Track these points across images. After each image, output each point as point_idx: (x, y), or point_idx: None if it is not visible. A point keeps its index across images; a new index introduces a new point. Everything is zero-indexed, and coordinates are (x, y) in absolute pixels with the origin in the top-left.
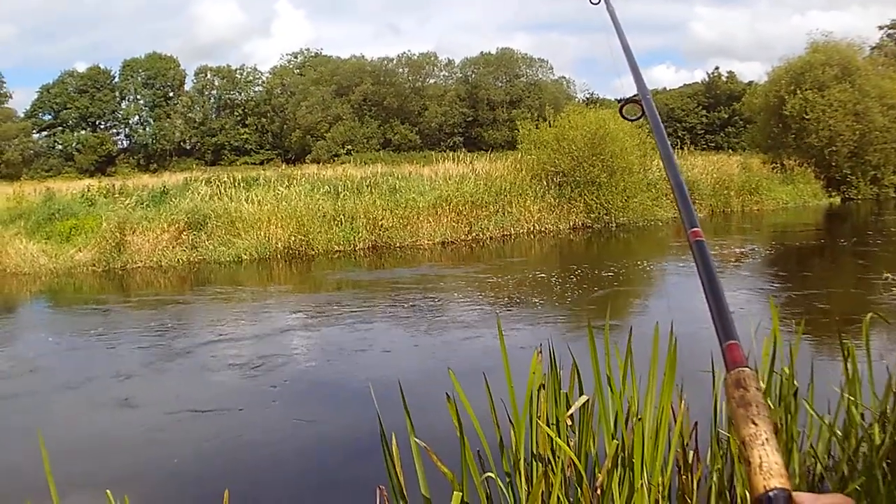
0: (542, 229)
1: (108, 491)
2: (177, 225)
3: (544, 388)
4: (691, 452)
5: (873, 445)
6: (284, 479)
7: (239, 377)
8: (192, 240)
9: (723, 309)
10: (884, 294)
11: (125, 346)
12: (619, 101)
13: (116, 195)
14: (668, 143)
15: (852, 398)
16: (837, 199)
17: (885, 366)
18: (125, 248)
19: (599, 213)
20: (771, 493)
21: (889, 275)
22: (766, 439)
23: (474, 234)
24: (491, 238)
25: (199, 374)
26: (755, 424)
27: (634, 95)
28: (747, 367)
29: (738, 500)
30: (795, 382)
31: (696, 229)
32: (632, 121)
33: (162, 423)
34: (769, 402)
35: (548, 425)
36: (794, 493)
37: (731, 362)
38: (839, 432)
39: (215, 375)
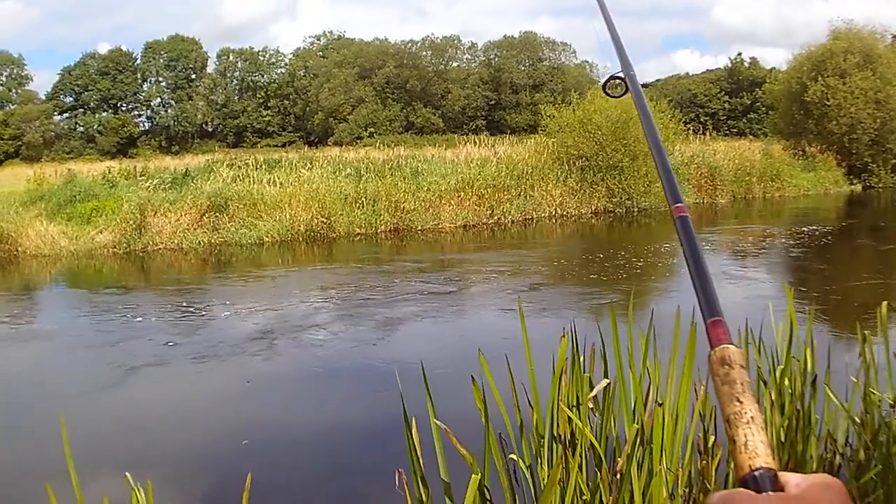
0: (564, 213)
1: (127, 473)
2: (198, 207)
3: (565, 372)
4: (712, 437)
5: (891, 434)
6: (306, 463)
7: (261, 359)
8: (213, 222)
9: (707, 285)
10: None
11: (145, 327)
12: (606, 81)
13: (137, 177)
14: (651, 116)
15: (869, 386)
16: (858, 187)
17: None
18: (146, 229)
19: (621, 198)
20: (756, 473)
21: None
22: (752, 418)
23: (496, 218)
24: (513, 222)
25: (220, 356)
26: (740, 402)
27: (618, 72)
28: (732, 344)
29: None
30: (813, 369)
31: (679, 205)
32: (615, 97)
33: (183, 405)
34: (786, 387)
35: (569, 408)
36: (779, 473)
37: (715, 339)
38: (857, 419)
39: (237, 357)
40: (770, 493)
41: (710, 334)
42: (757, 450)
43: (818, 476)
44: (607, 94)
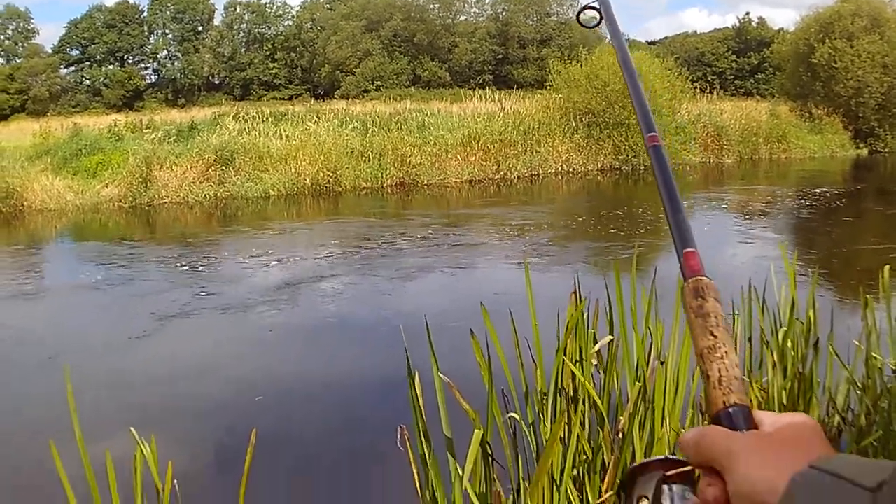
0: (570, 170)
1: (132, 428)
2: (204, 160)
3: (571, 328)
4: None
5: (893, 400)
6: (310, 419)
7: (266, 314)
8: (219, 175)
9: (679, 216)
10: None
11: (151, 281)
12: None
13: (144, 130)
14: (626, 47)
15: (871, 351)
16: (865, 151)
17: None
18: (152, 183)
19: (628, 155)
20: (731, 410)
21: None
22: (726, 352)
23: (502, 173)
24: (518, 177)
25: (225, 311)
26: (714, 336)
27: (593, 1)
28: (706, 276)
29: None
30: (815, 331)
31: (653, 134)
32: (590, 28)
33: (188, 359)
34: (789, 349)
35: (573, 363)
36: (754, 411)
37: (688, 271)
38: (859, 384)
39: (242, 312)
40: (744, 430)
41: (684, 266)
42: (731, 386)
43: (793, 414)
44: (581, 25)
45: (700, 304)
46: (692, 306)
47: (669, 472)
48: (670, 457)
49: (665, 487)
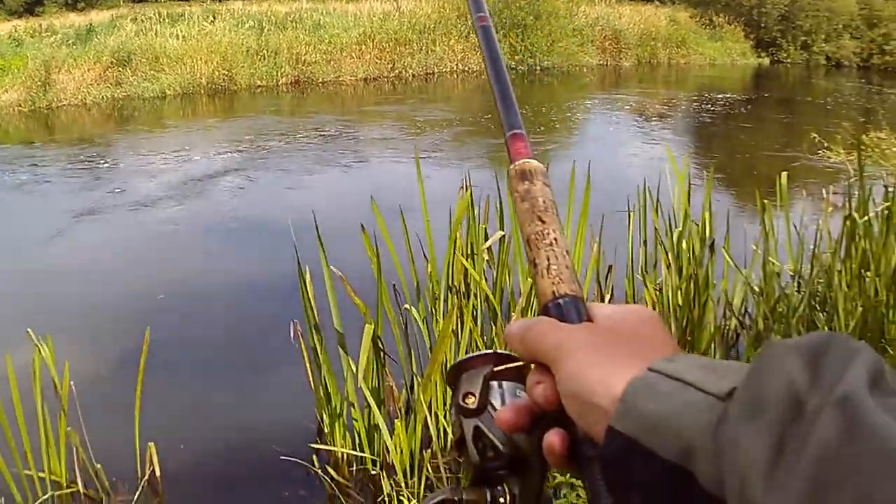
0: (466, 69)
1: (29, 329)
2: (102, 62)
3: (457, 222)
4: (608, 294)
5: (790, 306)
6: (204, 318)
7: (161, 216)
8: (116, 76)
9: (507, 97)
10: (809, 156)
11: (48, 185)
12: None
13: (43, 34)
14: None
15: (769, 256)
16: (766, 61)
17: (802, 226)
18: (51, 86)
19: (524, 56)
20: (561, 301)
21: (815, 137)
22: (555, 239)
23: (397, 72)
24: (414, 76)
25: (119, 214)
26: (542, 222)
27: None
28: (533, 159)
29: None
30: (711, 233)
31: (482, 14)
32: None
33: (83, 263)
34: (684, 250)
35: (465, 260)
36: (589, 304)
37: (514, 153)
38: (756, 288)
39: (136, 214)
40: (577, 322)
41: (510, 148)
42: (561, 275)
43: (632, 306)
44: None
45: (527, 189)
46: (518, 190)
47: (498, 368)
48: (500, 351)
49: (494, 384)
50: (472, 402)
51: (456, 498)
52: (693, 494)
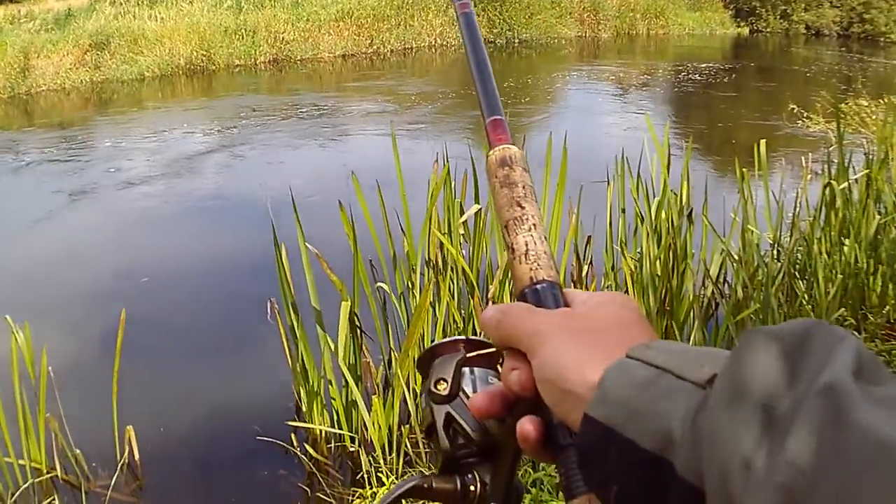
0: (444, 43)
1: (7, 316)
2: (80, 46)
3: (433, 197)
4: (586, 266)
5: (769, 274)
6: (182, 298)
7: (139, 197)
8: (95, 60)
9: (487, 83)
10: (789, 124)
11: (26, 169)
12: None
13: (22, 20)
14: None
15: (748, 224)
16: (746, 30)
17: (781, 194)
18: (30, 72)
19: (502, 29)
20: (538, 286)
21: (794, 106)
22: (534, 225)
23: (375, 48)
24: (392, 51)
25: (97, 196)
26: (521, 207)
27: None
28: (513, 145)
29: None
30: (689, 202)
31: (464, 2)
32: None
33: (61, 245)
34: (663, 220)
35: (441, 233)
36: (566, 290)
37: (494, 139)
38: (735, 256)
39: (114, 196)
40: (553, 309)
41: (490, 134)
42: (539, 261)
43: (609, 293)
44: None
45: (507, 174)
46: (498, 176)
47: (470, 354)
48: (472, 337)
49: (466, 370)
50: (443, 388)
51: (425, 485)
52: (671, 483)
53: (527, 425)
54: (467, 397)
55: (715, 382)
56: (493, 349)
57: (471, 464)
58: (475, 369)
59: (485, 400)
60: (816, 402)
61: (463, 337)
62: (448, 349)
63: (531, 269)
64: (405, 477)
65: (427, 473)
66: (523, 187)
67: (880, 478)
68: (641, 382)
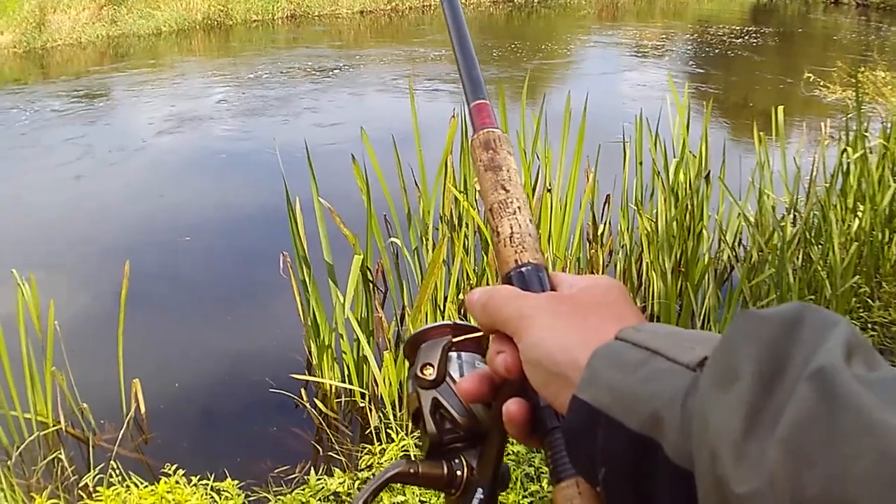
0: (463, 1)
1: (14, 270)
2: (97, 1)
3: (447, 151)
4: (601, 226)
5: (785, 239)
6: (194, 252)
7: (154, 150)
8: (111, 14)
9: (471, 65)
10: (806, 91)
11: (39, 123)
12: None
13: None
14: None
15: (765, 188)
16: None
17: (798, 159)
18: (46, 27)
19: None
20: (524, 269)
21: (811, 74)
22: (519, 208)
23: (394, 4)
24: (410, 8)
25: (112, 148)
26: (505, 191)
27: None
28: (497, 128)
29: (644, 272)
30: (707, 164)
31: None
32: None
33: (73, 196)
34: (681, 181)
35: (457, 190)
36: (552, 273)
37: (479, 123)
38: (751, 219)
39: (128, 149)
40: (539, 291)
41: (474, 117)
42: (524, 244)
43: (596, 276)
44: None
45: (491, 157)
46: (482, 159)
47: (457, 339)
48: (458, 322)
49: (453, 355)
50: (430, 373)
51: (412, 471)
52: (660, 466)
53: (512, 407)
54: (454, 382)
55: (706, 365)
56: (480, 333)
57: (458, 449)
58: (462, 354)
59: (472, 383)
60: (807, 386)
61: (448, 322)
62: (434, 334)
63: (516, 252)
64: (413, 434)
65: (413, 458)
66: (507, 170)
67: (870, 461)
68: (631, 364)
